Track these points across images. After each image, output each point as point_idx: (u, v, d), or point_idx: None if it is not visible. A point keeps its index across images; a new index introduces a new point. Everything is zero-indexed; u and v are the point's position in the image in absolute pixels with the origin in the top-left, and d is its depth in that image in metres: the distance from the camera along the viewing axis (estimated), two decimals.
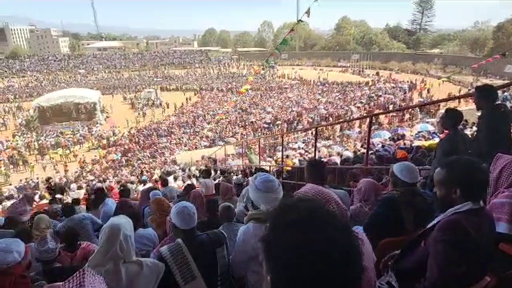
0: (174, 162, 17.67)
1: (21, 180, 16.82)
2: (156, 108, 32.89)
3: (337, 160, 7.79)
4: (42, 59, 56.75)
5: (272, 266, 0.62)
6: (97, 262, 1.48)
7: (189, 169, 12.21)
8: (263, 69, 44.54)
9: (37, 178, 16.99)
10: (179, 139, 22.93)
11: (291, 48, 62.20)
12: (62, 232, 3.27)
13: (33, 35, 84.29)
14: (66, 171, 18.81)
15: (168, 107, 32.84)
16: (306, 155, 10.26)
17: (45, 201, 10.53)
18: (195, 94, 39.29)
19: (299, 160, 9.18)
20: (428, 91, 27.98)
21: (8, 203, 10.51)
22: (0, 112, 30.78)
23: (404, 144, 8.34)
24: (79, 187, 12.46)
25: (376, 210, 2.15)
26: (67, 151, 21.71)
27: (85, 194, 10.09)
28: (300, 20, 9.12)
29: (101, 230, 1.52)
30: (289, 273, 0.58)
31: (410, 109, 20.08)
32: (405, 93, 29.69)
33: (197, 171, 11.28)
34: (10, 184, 16.86)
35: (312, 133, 16.22)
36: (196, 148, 20.68)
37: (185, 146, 21.69)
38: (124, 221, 1.55)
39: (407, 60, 49.71)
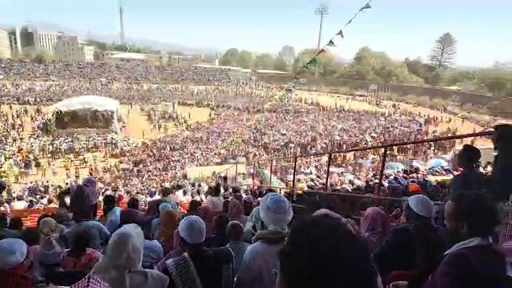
0: (184, 176, 17.75)
1: (31, 182, 17.14)
2: (171, 122, 33.49)
3: (349, 188, 7.68)
4: (66, 65, 58.78)
5: (288, 280, 0.63)
6: (102, 269, 1.48)
7: (199, 185, 12.23)
8: (280, 90, 45.11)
9: (47, 181, 17.27)
10: (191, 154, 23.12)
11: (311, 74, 63.05)
12: (69, 237, 3.30)
13: (60, 42, 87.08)
14: (76, 177, 19.06)
15: (185, 122, 33.37)
16: (318, 181, 10.15)
17: (53, 205, 10.70)
18: (211, 111, 39.94)
19: (308, 186, 9.09)
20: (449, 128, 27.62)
21: (17, 203, 10.73)
22: (19, 114, 31.81)
23: (417, 177, 8.17)
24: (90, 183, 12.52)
25: (387, 241, 2.10)
26: (81, 157, 22.12)
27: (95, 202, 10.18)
28: (322, 49, 9.30)
29: (112, 236, 1.54)
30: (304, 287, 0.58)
31: (425, 143, 19.79)
32: (420, 126, 29.37)
33: (206, 187, 11.29)
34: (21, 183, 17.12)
35: (325, 159, 16.12)
36: (207, 164, 20.77)
37: (197, 161, 21.82)
38: (134, 230, 1.57)
39: (424, 95, 49.61)
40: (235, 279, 1.87)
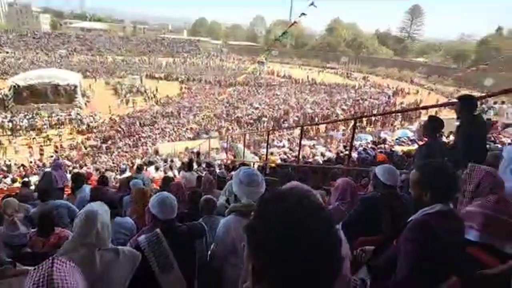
0: (156, 152, 17.39)
1: None
2: (140, 96, 32.17)
3: (320, 160, 7.90)
4: (20, 35, 54.07)
5: (256, 253, 0.63)
6: (70, 247, 1.44)
7: (172, 161, 12.07)
8: (252, 63, 44.46)
9: (9, 161, 16.34)
10: (162, 129, 22.56)
11: (282, 46, 62.33)
12: (35, 217, 3.16)
13: (11, 9, 78.79)
14: (41, 154, 18.14)
15: (154, 96, 32.17)
16: (290, 154, 10.35)
17: (17, 184, 10.19)
18: (181, 84, 38.69)
19: (281, 159, 9.25)
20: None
21: None
22: None
23: (385, 148, 8.55)
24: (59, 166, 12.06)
25: (355, 209, 2.20)
26: (44, 134, 20.93)
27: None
28: (295, 22, 9.13)
29: (77, 215, 1.48)
30: (273, 261, 0.59)
31: (392, 115, 20.60)
32: (389, 98, 30.39)
33: (179, 163, 11.18)
34: None
35: (297, 132, 16.35)
36: (179, 140, 20.41)
37: (168, 137, 21.36)
38: (101, 208, 1.52)
39: (393, 67, 50.88)
40: (209, 252, 1.89)
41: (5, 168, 15.14)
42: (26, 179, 8.37)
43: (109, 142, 20.33)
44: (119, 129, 22.46)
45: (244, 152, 8.71)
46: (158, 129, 22.63)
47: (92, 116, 24.87)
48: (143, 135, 21.40)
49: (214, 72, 45.26)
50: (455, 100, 3.09)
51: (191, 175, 5.71)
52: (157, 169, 9.24)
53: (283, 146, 14.07)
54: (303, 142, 10.64)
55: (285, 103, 29.03)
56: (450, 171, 1.35)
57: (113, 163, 15.82)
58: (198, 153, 12.75)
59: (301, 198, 0.65)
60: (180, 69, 46.21)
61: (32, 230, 2.83)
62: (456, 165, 2.30)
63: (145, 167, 8.64)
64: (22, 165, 15.60)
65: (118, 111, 27.06)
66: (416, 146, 8.48)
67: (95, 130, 22.66)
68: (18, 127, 21.45)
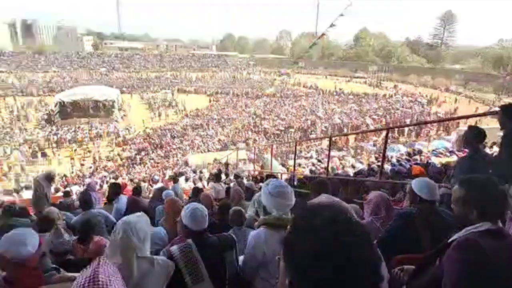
0: (186, 163, 17.82)
1: (38, 172, 17.25)
2: (171, 109, 33.39)
3: (350, 172, 7.69)
4: (66, 56, 58.42)
5: (292, 269, 0.63)
6: (110, 254, 1.49)
7: (201, 172, 12.29)
8: (279, 75, 44.77)
9: (54, 171, 17.41)
10: (192, 141, 23.14)
11: (309, 57, 62.33)
12: (77, 225, 3.33)
13: (60, 33, 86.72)
14: (82, 165, 19.23)
15: (184, 109, 33.25)
16: (319, 165, 10.17)
17: (60, 194, 10.80)
18: (210, 97, 39.74)
19: (311, 170, 9.11)
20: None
21: (25, 193, 10.86)
22: (23, 105, 31.84)
23: (421, 160, 8.17)
24: (95, 182, 12.70)
25: (391, 225, 2.10)
26: (84, 146, 22.29)
27: (98, 189, 10.29)
28: (323, 33, 9.10)
29: (118, 223, 1.54)
30: (309, 277, 0.59)
31: (428, 125, 19.71)
32: (423, 107, 29.21)
33: (208, 174, 11.36)
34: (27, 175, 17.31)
35: (326, 143, 16.11)
36: (208, 151, 20.81)
37: (197, 148, 21.86)
38: (142, 218, 1.57)
39: (426, 75, 48.94)
40: (239, 264, 1.88)
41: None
42: (67, 189, 8.88)
43: (143, 153, 21.15)
44: (152, 141, 23.34)
45: (271, 163, 8.68)
46: (188, 140, 23.25)
47: (127, 129, 26.16)
48: (174, 146, 22.07)
49: (241, 85, 46.08)
50: (496, 108, 2.90)
51: (220, 186, 5.78)
52: (187, 180, 9.44)
53: (311, 157, 13.88)
54: (332, 153, 10.44)
55: (312, 113, 28.79)
56: (498, 186, 1.25)
57: (146, 173, 16.39)
58: (227, 164, 12.91)
59: (338, 213, 0.65)
60: (209, 83, 47.52)
61: (74, 238, 2.99)
62: (502, 179, 2.15)
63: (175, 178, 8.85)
64: (65, 175, 16.58)
65: (151, 124, 28.23)
66: (454, 157, 8.04)
67: (130, 142, 23.70)
68: (62, 140, 23.04)
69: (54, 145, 22.58)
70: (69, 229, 3.35)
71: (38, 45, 67.36)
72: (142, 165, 19.00)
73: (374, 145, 16.98)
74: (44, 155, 20.50)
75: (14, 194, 11.36)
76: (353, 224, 0.64)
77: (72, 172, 17.65)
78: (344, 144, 18.40)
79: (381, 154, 10.75)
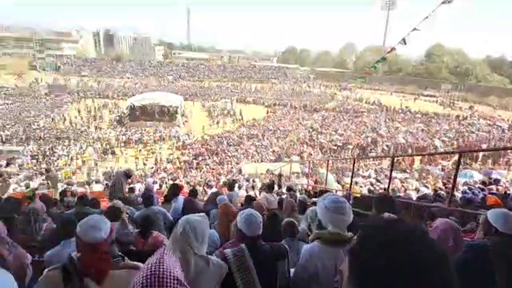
0: (239, 171, 18.20)
1: (106, 168, 19.15)
2: (229, 118, 34.63)
3: (413, 195, 7.11)
4: (140, 64, 64.87)
5: (359, 280, 0.60)
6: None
7: (253, 181, 12.43)
8: (340, 89, 43.76)
9: (120, 168, 19.15)
10: (246, 150, 23.60)
11: (374, 72, 59.89)
12: (137, 219, 3.61)
13: (135, 42, 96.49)
14: (144, 165, 20.83)
15: (242, 119, 34.22)
16: (378, 185, 9.60)
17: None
18: (267, 108, 40.33)
19: (369, 190, 8.63)
20: None
21: (95, 186, 12.12)
22: (99, 107, 35.89)
23: (497, 190, 7.22)
24: (154, 182, 13.69)
25: (461, 257, 1.89)
26: (148, 147, 24.19)
27: (158, 189, 11.04)
28: (393, 48, 8.72)
29: (180, 220, 1.62)
30: None
31: (508, 151, 17.41)
32: (503, 131, 25.97)
33: (260, 184, 11.44)
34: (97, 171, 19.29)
35: (386, 162, 15.20)
36: (262, 161, 21.00)
37: (251, 157, 22.20)
38: (202, 218, 1.64)
39: (509, 96, 43.56)
40: (290, 276, 1.85)
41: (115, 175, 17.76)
42: (132, 186, 9.69)
43: (199, 158, 22.17)
44: (209, 147, 24.36)
45: (327, 178, 8.43)
46: (242, 149, 23.77)
47: (187, 134, 27.73)
48: (229, 154, 22.72)
49: (300, 98, 45.95)
50: None
51: (272, 197, 5.76)
52: (240, 187, 9.63)
53: (369, 177, 13.16)
54: (393, 174, 9.79)
55: (373, 131, 27.41)
56: None
57: (201, 178, 17.11)
58: (279, 176, 12.88)
59: (412, 228, 0.61)
60: (268, 94, 48.33)
61: (135, 230, 3.23)
62: None
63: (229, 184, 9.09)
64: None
65: (209, 131, 29.53)
66: None
67: (188, 147, 25.04)
68: (129, 140, 25.30)
69: (122, 144, 24.87)
70: (133, 223, 3.63)
71: (116, 53, 75.80)
72: (198, 169, 19.89)
73: (443, 169, 15.49)
74: (113, 153, 22.66)
75: (86, 186, 12.73)
76: (431, 241, 0.59)
77: (136, 171, 19.22)
78: (408, 165, 17.11)
79: (449, 180, 9.78)
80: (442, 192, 6.70)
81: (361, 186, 9.37)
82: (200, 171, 19.47)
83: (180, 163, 21.82)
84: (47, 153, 21.42)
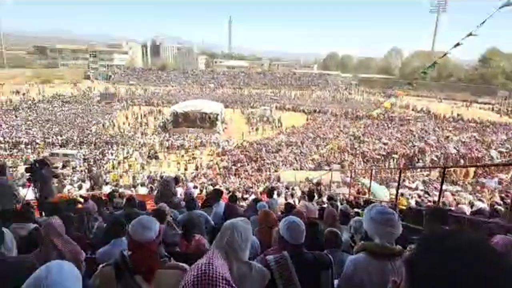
0: (278, 179, 18.12)
1: (151, 172, 20.13)
2: (268, 125, 34.74)
3: (467, 210, 6.55)
4: (183, 73, 68.07)
5: None
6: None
7: (293, 188, 12.30)
8: (385, 96, 42.02)
9: (163, 172, 20.01)
10: (285, 157, 23.45)
11: (421, 78, 56.62)
12: (181, 222, 3.73)
13: (179, 52, 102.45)
14: (185, 169, 21.57)
15: (281, 126, 34.19)
16: (426, 197, 8.99)
17: None
18: (307, 116, 39.90)
19: (416, 202, 8.12)
20: None
21: (140, 189, 12.77)
22: (145, 114, 37.99)
23: None
24: (195, 187, 14.10)
25: None
26: (190, 153, 25.07)
27: (198, 194, 11.36)
28: (446, 53, 8.21)
29: (224, 225, 1.65)
30: None
31: None
32: None
33: (299, 192, 11.28)
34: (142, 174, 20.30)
35: (436, 174, 14.24)
36: (301, 169, 20.74)
37: (290, 165, 22.01)
38: (246, 224, 1.65)
39: None
40: (334, 287, 1.79)
41: (159, 179, 18.58)
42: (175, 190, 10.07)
43: (239, 165, 22.45)
44: (247, 154, 24.59)
45: (370, 188, 8.09)
46: (281, 156, 23.66)
47: (227, 140, 28.30)
48: (268, 161, 22.73)
49: (341, 105, 44.86)
50: None
51: (312, 205, 5.65)
52: (279, 195, 9.56)
53: (416, 188, 12.38)
54: (443, 187, 9.12)
55: (421, 140, 25.84)
56: None
57: (240, 184, 17.30)
58: (318, 184, 12.62)
59: (474, 240, 0.58)
60: (307, 101, 47.86)
61: (180, 232, 3.34)
62: None
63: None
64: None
65: (249, 137, 29.87)
66: None
67: (228, 153, 25.52)
68: (172, 146, 26.40)
69: (165, 150, 26.02)
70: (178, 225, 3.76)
71: (162, 62, 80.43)
72: (236, 176, 20.14)
73: (500, 182, 14.11)
74: (157, 158, 23.83)
75: (132, 189, 13.46)
76: (494, 252, 0.55)
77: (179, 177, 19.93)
78: (461, 177, 15.85)
79: (508, 194, 8.88)
80: (500, 207, 6.11)
81: (407, 198, 8.85)
82: (239, 177, 19.70)
83: (219, 169, 22.28)
84: (97, 157, 23.12)
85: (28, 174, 6.13)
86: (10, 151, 24.15)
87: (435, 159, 20.04)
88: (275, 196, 9.00)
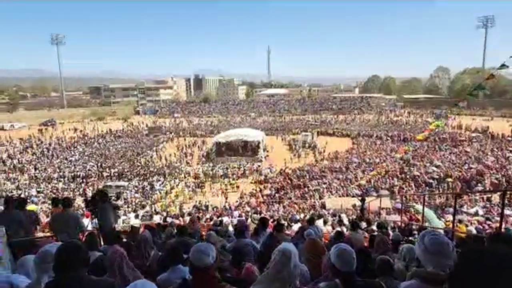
0: (323, 206, 17.67)
1: (196, 202, 20.76)
2: (310, 151, 34.40)
3: None
4: (225, 103, 71.00)
5: None
6: (266, 280, 1.71)
7: (339, 216, 11.95)
8: (433, 117, 39.83)
9: (208, 202, 20.51)
10: (329, 183, 22.86)
11: (472, 97, 52.89)
12: (231, 250, 3.89)
13: (221, 84, 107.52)
14: (226, 198, 21.88)
15: (324, 151, 33.67)
16: (487, 224, 8.23)
17: (211, 222, 12.63)
18: (351, 140, 38.93)
19: (476, 228, 7.48)
20: None
21: (187, 218, 13.22)
22: (190, 144, 39.68)
23: None
24: (239, 215, 14.30)
25: None
26: (232, 181, 25.57)
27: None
28: (492, 74, 7.84)
29: (274, 252, 1.77)
30: None
31: None
32: None
33: (346, 219, 10.92)
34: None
35: (497, 197, 12.96)
36: (346, 195, 20.04)
37: (335, 191, 21.38)
38: (295, 250, 1.76)
39: None
40: None
41: (204, 208, 19.07)
42: (220, 219, 10.37)
43: (281, 192, 22.29)
44: (290, 181, 24.38)
45: (423, 214, 7.62)
46: (325, 183, 23.10)
47: (269, 168, 28.41)
48: (311, 188, 22.31)
49: (386, 127, 43.23)
50: None
51: (361, 234, 5.51)
52: (325, 222, 9.36)
53: (476, 214, 11.35)
54: (506, 212, 8.31)
55: (478, 161, 23.78)
56: None
57: (283, 212, 17.13)
58: (362, 210, 12.12)
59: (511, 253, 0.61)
60: (350, 125, 46.89)
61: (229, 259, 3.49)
62: None
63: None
64: (216, 207, 19.24)
65: (291, 164, 29.71)
66: None
67: (270, 181, 25.54)
68: (216, 175, 27.13)
69: (210, 179, 26.77)
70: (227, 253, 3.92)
71: (204, 95, 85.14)
72: (280, 203, 19.97)
73: None
74: (201, 187, 24.58)
75: (180, 218, 13.98)
76: None
77: (224, 206, 20.30)
78: None
79: None
80: None
81: (466, 225, 8.16)
82: (282, 205, 19.52)
83: (262, 197, 22.29)
84: (147, 187, 24.46)
85: (90, 205, 6.67)
86: (69, 184, 26.42)
87: (495, 181, 18.25)
88: (320, 223, 8.86)
